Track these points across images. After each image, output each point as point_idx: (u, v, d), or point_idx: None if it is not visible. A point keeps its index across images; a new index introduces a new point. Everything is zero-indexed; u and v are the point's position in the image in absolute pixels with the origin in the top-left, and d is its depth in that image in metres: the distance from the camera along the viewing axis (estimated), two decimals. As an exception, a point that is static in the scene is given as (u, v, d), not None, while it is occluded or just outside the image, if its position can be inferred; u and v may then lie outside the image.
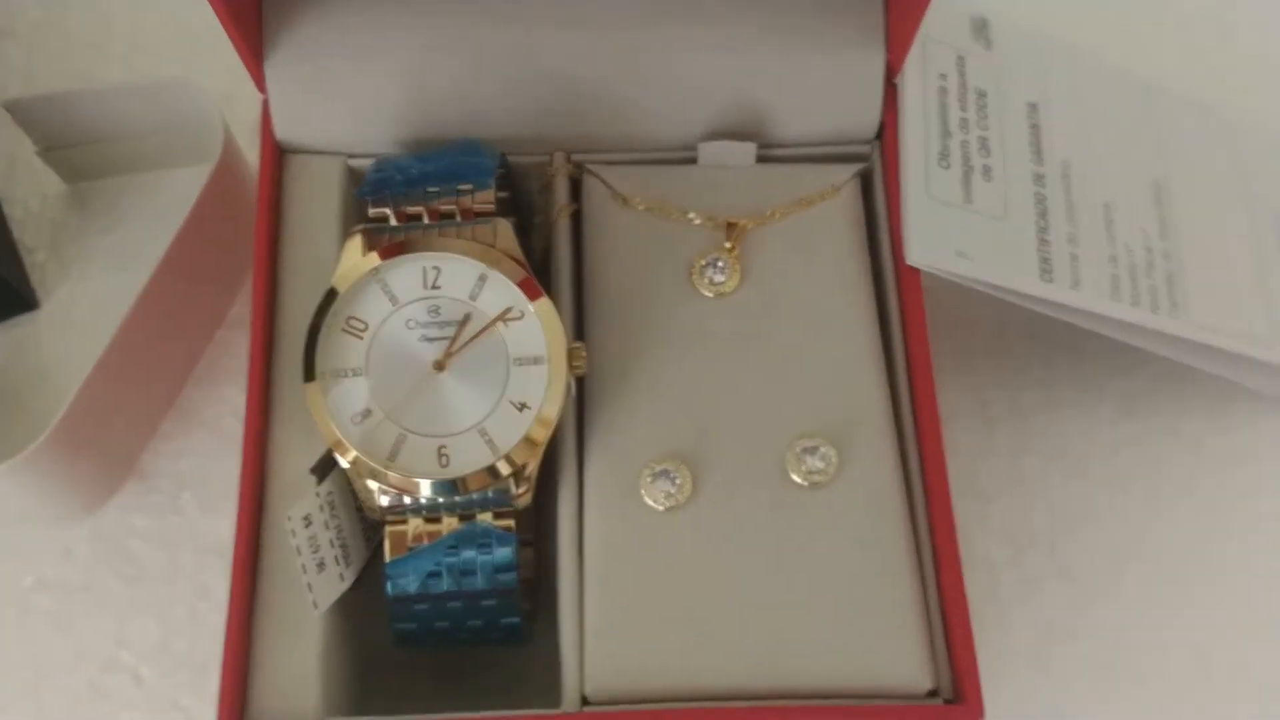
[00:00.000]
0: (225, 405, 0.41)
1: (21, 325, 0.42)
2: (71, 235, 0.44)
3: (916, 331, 0.33)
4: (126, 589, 0.39)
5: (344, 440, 0.30)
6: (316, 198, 0.36)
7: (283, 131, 0.36)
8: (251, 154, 0.41)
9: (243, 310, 0.42)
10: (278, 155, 0.36)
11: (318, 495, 0.31)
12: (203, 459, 0.40)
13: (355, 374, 0.31)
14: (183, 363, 0.41)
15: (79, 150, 0.43)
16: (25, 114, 0.40)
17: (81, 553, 0.40)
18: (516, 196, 0.36)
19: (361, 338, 0.31)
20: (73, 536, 0.40)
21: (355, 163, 0.36)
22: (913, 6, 0.32)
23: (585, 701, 0.30)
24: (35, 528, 0.40)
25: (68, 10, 0.48)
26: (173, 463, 0.40)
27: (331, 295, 0.31)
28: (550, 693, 0.31)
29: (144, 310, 0.37)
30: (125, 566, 0.39)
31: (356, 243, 0.32)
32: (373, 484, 0.30)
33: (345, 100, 0.35)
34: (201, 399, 0.41)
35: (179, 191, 0.43)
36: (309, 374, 0.31)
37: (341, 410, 0.30)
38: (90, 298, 0.43)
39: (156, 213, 0.43)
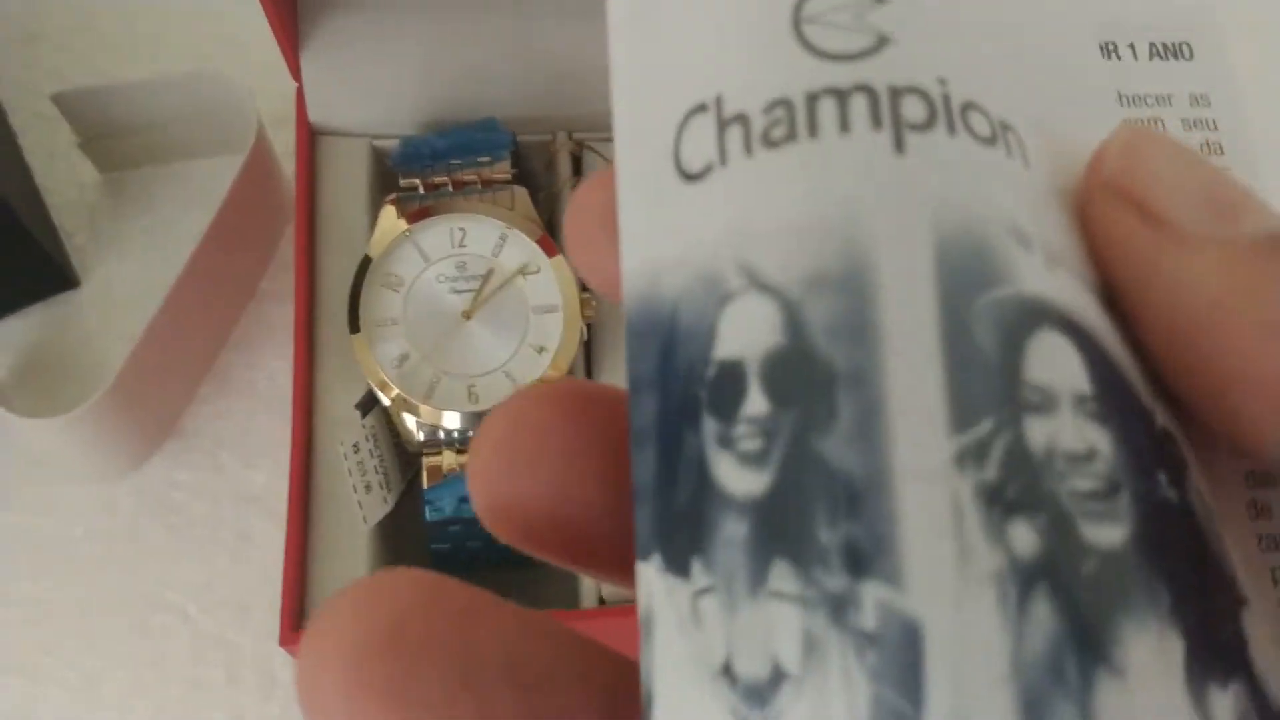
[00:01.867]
0: (259, 370, 0.43)
1: (64, 302, 0.45)
2: (108, 220, 0.46)
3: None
4: (170, 537, 0.41)
5: (386, 380, 0.34)
6: (346, 175, 0.39)
7: (315, 115, 0.39)
8: (274, 141, 0.44)
9: (271, 284, 0.44)
10: (311, 137, 0.39)
11: (364, 427, 0.34)
12: (239, 418, 0.43)
13: (394, 323, 0.35)
14: (219, 332, 0.44)
15: (116, 140, 0.45)
16: (69, 106, 0.43)
17: (126, 505, 0.42)
18: (524, 171, 0.40)
19: (398, 291, 0.35)
20: (117, 491, 0.42)
21: (379, 143, 0.39)
22: None
23: (601, 601, 0.34)
24: (82, 484, 0.42)
25: (94, 13, 0.50)
26: (210, 423, 0.43)
27: (367, 261, 0.35)
28: (572, 603, 0.35)
29: (185, 286, 0.40)
30: (169, 516, 0.42)
31: (390, 210, 0.36)
32: (410, 419, 0.34)
33: (371, 86, 0.39)
34: (236, 365, 0.43)
35: (208, 178, 0.45)
36: (354, 326, 0.35)
37: (383, 355, 0.34)
38: (128, 277, 0.45)
39: (187, 197, 0.45)
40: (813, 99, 0.11)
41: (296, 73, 0.38)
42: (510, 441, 0.13)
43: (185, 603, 0.41)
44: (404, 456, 0.36)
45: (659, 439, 0.12)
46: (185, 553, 0.41)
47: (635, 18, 0.13)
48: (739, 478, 0.11)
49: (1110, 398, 0.11)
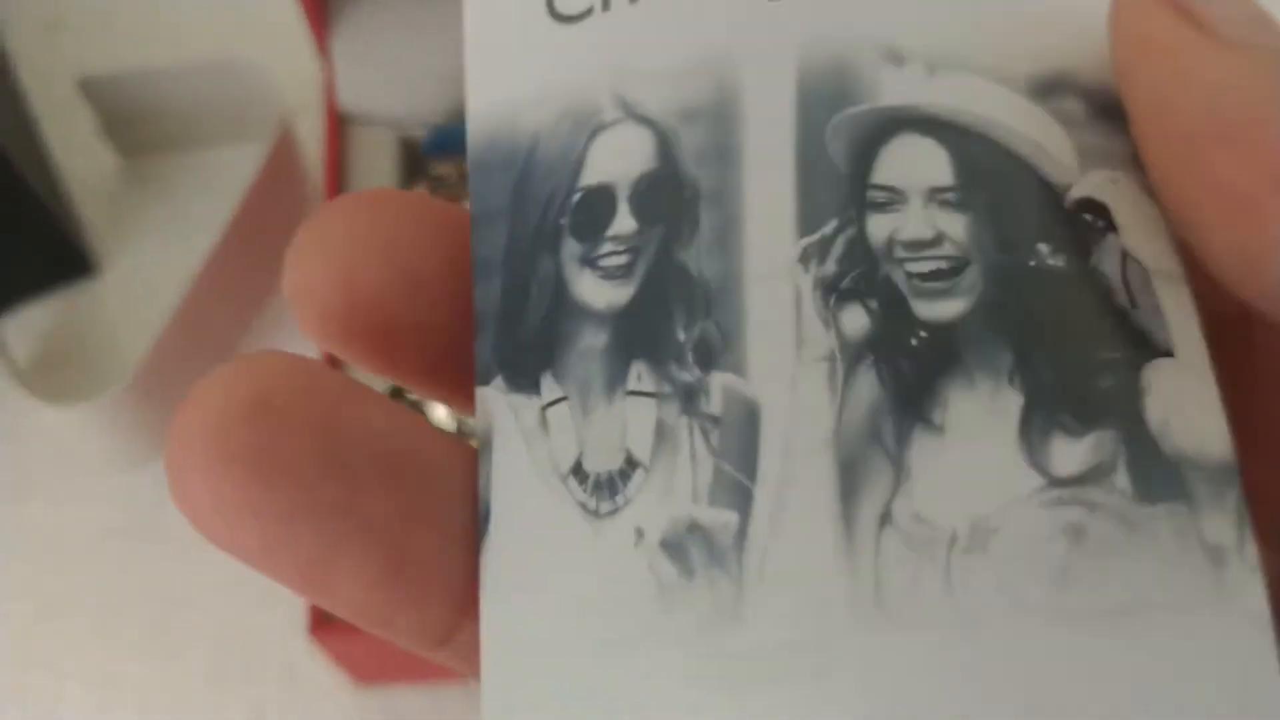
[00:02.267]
0: None
1: (84, 291, 0.46)
2: (129, 207, 0.47)
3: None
4: (192, 528, 0.43)
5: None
6: (372, 163, 0.40)
7: (345, 102, 0.40)
8: (297, 128, 0.45)
9: None
10: (340, 125, 0.40)
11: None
12: None
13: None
14: (240, 320, 0.45)
15: (138, 126, 0.46)
16: (94, 91, 0.44)
17: (147, 495, 0.43)
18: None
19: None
20: (140, 480, 0.43)
21: (408, 133, 0.41)
22: None
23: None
24: (104, 474, 0.43)
25: (114, 1, 0.51)
26: None
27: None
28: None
29: (208, 275, 0.41)
30: None
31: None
32: (438, 407, 0.35)
33: (401, 72, 0.40)
34: None
35: (230, 166, 0.46)
36: (381, 313, 0.35)
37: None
38: (149, 265, 0.46)
39: (209, 185, 0.46)
40: None
41: (326, 55, 0.40)
42: (365, 235, 0.13)
43: (207, 592, 0.42)
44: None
45: (508, 266, 0.13)
46: (206, 543, 0.41)
47: None
48: (601, 292, 0.13)
49: (979, 184, 0.12)
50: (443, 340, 0.13)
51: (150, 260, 0.46)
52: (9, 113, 0.45)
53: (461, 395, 0.14)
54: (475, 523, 0.13)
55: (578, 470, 0.13)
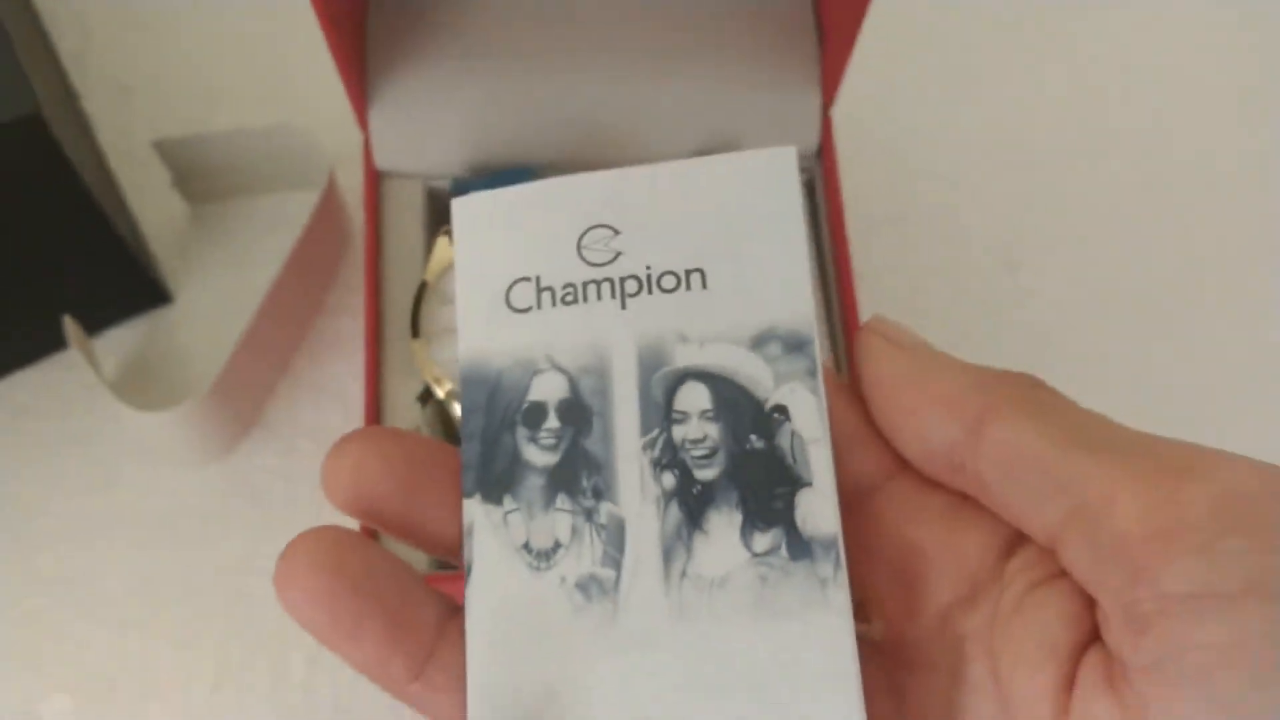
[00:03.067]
0: (328, 372, 0.49)
1: (160, 316, 0.51)
2: (197, 247, 0.52)
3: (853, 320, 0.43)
4: (256, 512, 0.47)
5: (441, 377, 0.42)
6: (404, 212, 0.45)
7: (380, 161, 0.45)
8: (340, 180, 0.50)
9: (338, 299, 0.51)
10: (376, 180, 0.45)
11: (423, 415, 0.42)
12: (311, 412, 0.49)
13: (447, 331, 0.42)
14: (294, 340, 0.49)
15: (205, 179, 0.51)
16: (167, 151, 0.49)
17: (218, 485, 0.47)
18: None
19: (450, 305, 0.42)
20: (210, 475, 0.48)
21: (433, 184, 0.45)
22: (838, 59, 0.43)
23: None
24: (182, 467, 0.48)
25: (182, 68, 0.55)
26: (288, 415, 0.48)
27: (424, 284, 0.43)
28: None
29: (269, 303, 0.45)
30: (255, 496, 0.47)
31: (444, 240, 0.43)
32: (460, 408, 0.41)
33: (427, 136, 0.44)
34: (309, 368, 0.49)
35: (281, 211, 0.51)
36: (415, 333, 0.42)
37: (438, 356, 0.42)
38: (216, 296, 0.50)
39: (266, 228, 0.51)
40: (585, 284, 0.23)
41: (364, 125, 0.45)
42: (364, 462, 0.22)
43: (269, 567, 0.45)
44: (455, 439, 0.43)
45: (483, 439, 0.22)
46: (269, 525, 0.47)
47: (476, 230, 0.24)
48: (540, 456, 0.22)
49: (722, 407, 0.22)
50: (415, 519, 0.22)
51: (215, 291, 0.51)
52: (94, 167, 0.48)
53: (443, 546, 0.23)
54: (442, 603, 0.22)
55: (526, 546, 0.22)
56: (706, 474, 0.22)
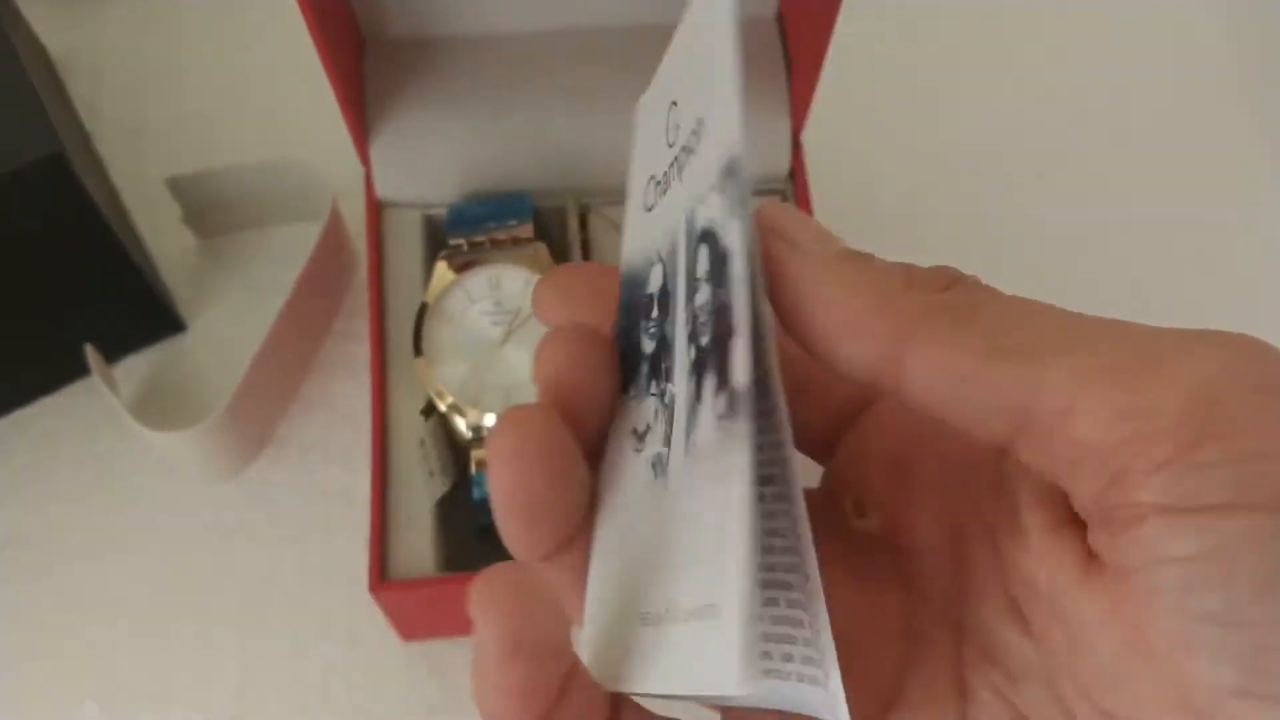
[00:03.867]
0: (336, 392, 0.52)
1: (174, 344, 0.53)
2: (208, 277, 0.54)
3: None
4: (271, 525, 0.50)
5: (443, 391, 0.44)
6: (404, 238, 0.48)
7: (380, 191, 0.48)
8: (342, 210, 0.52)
9: (344, 322, 0.53)
10: (377, 209, 0.48)
11: (425, 427, 0.45)
12: (320, 430, 0.51)
13: (448, 348, 0.45)
14: (303, 362, 0.52)
15: (215, 213, 0.53)
16: (178, 187, 0.51)
17: (235, 500, 0.50)
18: (542, 230, 0.51)
19: (450, 324, 0.46)
20: (226, 491, 0.50)
21: (430, 212, 0.48)
22: (805, 87, 0.46)
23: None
24: (200, 484, 0.50)
25: (190, 108, 0.58)
26: (299, 433, 0.51)
27: (424, 305, 0.46)
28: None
29: (279, 328, 0.48)
30: (270, 510, 0.50)
31: (442, 265, 0.46)
32: (461, 421, 0.44)
33: (424, 168, 0.47)
34: (318, 389, 0.52)
35: (288, 241, 0.54)
36: (418, 351, 0.45)
37: (439, 372, 0.45)
38: (227, 323, 0.53)
39: (274, 258, 0.54)
40: (668, 168, 0.21)
41: (365, 158, 0.48)
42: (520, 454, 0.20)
43: (285, 576, 0.49)
44: (456, 450, 0.46)
45: (625, 335, 0.22)
46: (283, 537, 0.50)
47: (637, 134, 0.24)
48: (647, 345, 0.21)
49: (712, 265, 0.19)
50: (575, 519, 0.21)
51: (227, 319, 0.53)
52: (111, 205, 0.51)
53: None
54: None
55: (634, 431, 0.21)
56: (704, 339, 0.19)
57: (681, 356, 0.20)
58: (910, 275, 0.19)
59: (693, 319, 0.19)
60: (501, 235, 0.46)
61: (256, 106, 0.59)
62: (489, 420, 0.44)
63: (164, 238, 0.55)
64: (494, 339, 0.45)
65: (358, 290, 0.55)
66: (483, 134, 0.48)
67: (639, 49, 0.48)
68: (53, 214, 0.45)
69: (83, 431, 0.52)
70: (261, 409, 0.50)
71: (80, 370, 0.50)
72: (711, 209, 0.19)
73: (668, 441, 0.20)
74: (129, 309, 0.51)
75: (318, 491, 0.51)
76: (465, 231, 0.47)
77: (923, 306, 0.18)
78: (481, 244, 0.46)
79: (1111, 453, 0.16)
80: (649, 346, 0.21)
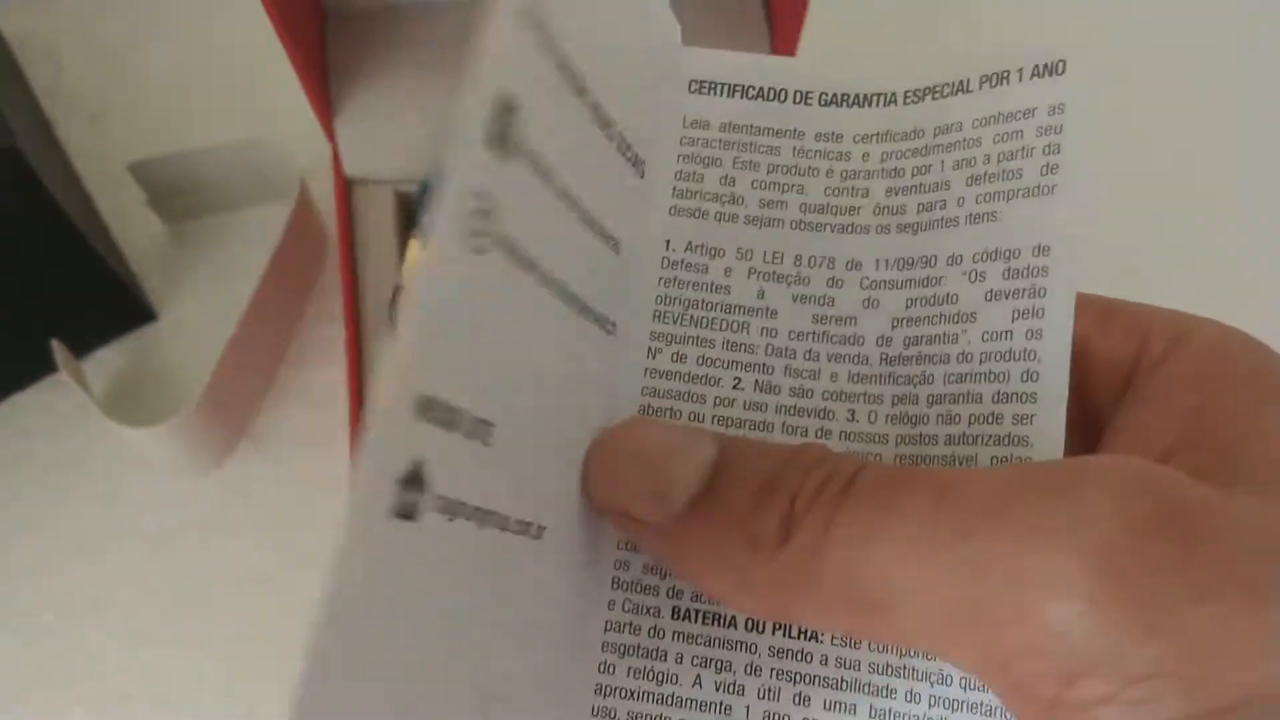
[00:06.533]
0: (313, 378, 0.50)
1: (145, 334, 0.51)
2: (177, 264, 0.53)
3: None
4: (250, 519, 0.48)
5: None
6: (376, 216, 0.46)
7: (349, 168, 0.46)
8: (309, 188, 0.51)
9: (318, 306, 0.52)
10: (346, 187, 0.47)
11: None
12: (299, 421, 0.50)
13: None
14: (277, 350, 0.50)
15: (180, 197, 0.51)
16: (142, 172, 0.50)
17: (213, 495, 0.49)
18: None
19: (426, 305, 0.44)
20: (207, 485, 0.49)
21: (403, 188, 0.47)
22: (787, 47, 0.45)
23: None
24: (177, 480, 0.49)
25: (152, 90, 0.56)
26: (276, 426, 0.50)
27: (398, 288, 0.44)
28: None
29: (250, 315, 0.46)
30: (252, 503, 0.49)
31: (416, 243, 0.45)
32: None
33: (394, 141, 0.46)
34: (293, 379, 0.50)
35: (258, 224, 0.52)
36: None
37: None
38: (199, 310, 0.51)
39: (243, 241, 0.52)
40: None
41: (331, 134, 0.47)
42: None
43: (266, 568, 0.48)
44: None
45: None
46: (267, 531, 0.48)
47: None
48: None
49: None
50: None
51: (198, 306, 0.52)
52: (71, 192, 0.49)
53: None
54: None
55: None
56: None
57: None
58: (750, 533, 0.18)
59: None
60: (475, 210, 0.44)
61: (221, 86, 0.57)
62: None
63: (131, 225, 0.54)
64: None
65: (331, 270, 0.53)
66: (450, 106, 0.46)
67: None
68: (8, 207, 0.43)
69: (56, 430, 0.50)
70: (237, 399, 0.49)
71: (49, 366, 0.48)
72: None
73: None
74: (97, 300, 0.49)
75: (300, 483, 0.49)
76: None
77: (769, 580, 0.18)
78: (455, 220, 0.45)
79: (1014, 691, 0.16)
80: None
